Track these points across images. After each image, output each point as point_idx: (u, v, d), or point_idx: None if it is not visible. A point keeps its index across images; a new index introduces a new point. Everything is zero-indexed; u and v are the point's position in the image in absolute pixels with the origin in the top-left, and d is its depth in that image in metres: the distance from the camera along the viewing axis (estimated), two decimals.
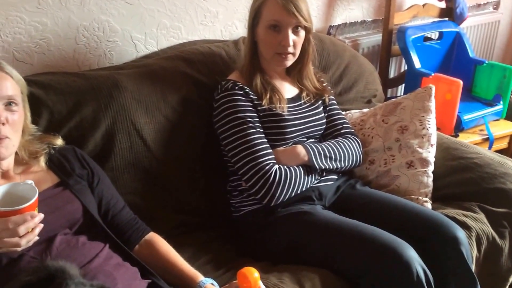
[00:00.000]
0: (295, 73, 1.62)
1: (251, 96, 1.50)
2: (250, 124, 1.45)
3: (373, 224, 1.36)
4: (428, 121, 1.70)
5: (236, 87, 1.49)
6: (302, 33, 1.51)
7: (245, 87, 1.51)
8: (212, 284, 1.18)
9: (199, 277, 1.19)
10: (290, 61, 1.53)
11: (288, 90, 1.61)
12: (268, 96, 1.50)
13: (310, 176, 1.49)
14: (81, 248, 1.10)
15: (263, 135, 1.48)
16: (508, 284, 1.53)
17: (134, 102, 1.48)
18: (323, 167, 1.51)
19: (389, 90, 2.54)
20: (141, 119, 1.48)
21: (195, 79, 1.63)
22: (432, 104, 1.72)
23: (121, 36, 1.70)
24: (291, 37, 1.47)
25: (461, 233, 1.35)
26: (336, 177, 1.60)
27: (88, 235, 1.15)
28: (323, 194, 1.52)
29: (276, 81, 1.58)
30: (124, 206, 1.29)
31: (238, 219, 1.54)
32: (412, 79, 2.19)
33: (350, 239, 1.31)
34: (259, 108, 1.50)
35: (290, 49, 1.49)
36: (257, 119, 1.48)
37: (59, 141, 1.26)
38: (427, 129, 1.69)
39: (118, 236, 1.20)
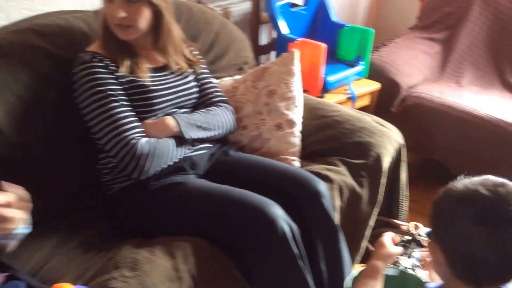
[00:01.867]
0: (159, 46, 1.56)
1: (112, 67, 1.44)
2: (113, 98, 1.40)
3: (245, 187, 1.40)
4: (293, 84, 1.77)
5: (95, 59, 1.42)
6: (142, 6, 1.41)
7: (105, 59, 1.44)
8: None
9: None
10: (132, 33, 1.45)
11: (154, 60, 1.57)
12: (127, 64, 1.45)
13: (181, 147, 1.49)
14: None
15: (129, 108, 1.43)
16: (367, 228, 1.68)
17: None
18: (195, 137, 1.51)
19: (264, 57, 2.60)
20: None
21: (50, 53, 1.51)
22: (296, 67, 1.80)
23: None
24: (122, 8, 1.39)
25: (322, 187, 1.45)
26: (210, 145, 1.62)
27: None
28: (196, 163, 1.53)
29: (139, 51, 1.53)
30: None
31: (111, 197, 1.50)
32: (281, 45, 2.26)
33: (219, 204, 1.35)
34: (121, 80, 1.44)
35: (126, 21, 1.42)
36: (120, 92, 1.43)
37: None
38: (292, 91, 1.76)
39: None
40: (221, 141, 1.69)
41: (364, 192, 1.63)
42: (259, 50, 2.47)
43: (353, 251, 1.64)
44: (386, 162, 1.68)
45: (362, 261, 1.79)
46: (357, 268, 1.32)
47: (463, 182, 0.82)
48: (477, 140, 2.23)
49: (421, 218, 2.07)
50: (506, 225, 0.76)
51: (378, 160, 1.65)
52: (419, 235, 1.83)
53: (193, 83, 1.63)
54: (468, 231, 0.78)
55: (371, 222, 1.68)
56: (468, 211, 0.78)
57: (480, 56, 2.72)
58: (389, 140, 1.71)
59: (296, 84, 1.78)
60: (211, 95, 1.66)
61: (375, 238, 1.87)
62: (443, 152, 2.37)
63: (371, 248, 1.83)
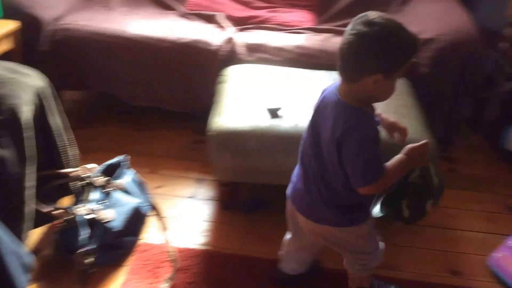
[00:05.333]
0: None
1: None
2: None
3: None
4: None
5: None
6: None
7: None
8: None
9: None
10: None
11: None
12: None
13: None
14: None
15: None
16: (25, 190, 1.47)
17: None
18: None
19: None
20: None
21: None
22: None
23: None
24: None
25: None
26: None
27: None
28: None
29: None
30: None
31: None
32: None
33: None
34: None
35: None
36: None
37: None
38: None
39: None
40: None
41: (7, 153, 1.40)
42: None
43: (14, 221, 1.43)
44: (26, 113, 1.47)
45: (37, 225, 1.60)
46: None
47: None
48: (132, 62, 2.19)
49: (105, 154, 1.97)
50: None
51: (13, 113, 1.42)
52: (89, 176, 1.73)
53: None
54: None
55: (29, 183, 1.48)
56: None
57: None
58: (22, 87, 1.49)
59: None
60: None
61: (48, 197, 1.69)
62: (106, 82, 2.28)
63: (48, 208, 1.65)
